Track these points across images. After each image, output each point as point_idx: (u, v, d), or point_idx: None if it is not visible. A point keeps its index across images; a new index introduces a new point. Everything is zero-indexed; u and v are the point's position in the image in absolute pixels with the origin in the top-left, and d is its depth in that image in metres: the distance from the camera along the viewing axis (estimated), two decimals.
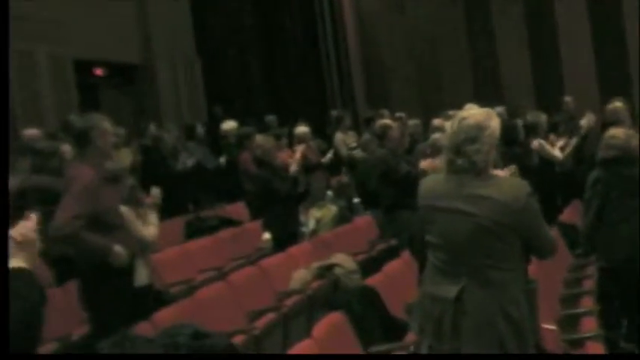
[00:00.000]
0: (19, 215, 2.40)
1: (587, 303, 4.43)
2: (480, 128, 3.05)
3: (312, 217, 7.30)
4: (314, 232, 7.21)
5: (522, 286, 3.10)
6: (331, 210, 7.45)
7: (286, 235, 6.46)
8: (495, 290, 3.02)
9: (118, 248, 4.15)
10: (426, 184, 3.30)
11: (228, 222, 7.82)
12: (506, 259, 3.04)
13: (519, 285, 3.08)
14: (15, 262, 2.13)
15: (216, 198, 9.26)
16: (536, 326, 3.24)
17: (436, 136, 5.95)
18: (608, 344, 3.66)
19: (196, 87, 12.24)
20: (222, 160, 9.26)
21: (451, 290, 3.06)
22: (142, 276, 4.45)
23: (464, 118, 3.10)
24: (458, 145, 3.05)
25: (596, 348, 3.48)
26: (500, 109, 8.53)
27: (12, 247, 2.15)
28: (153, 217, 4.60)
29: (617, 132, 4.80)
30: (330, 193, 7.98)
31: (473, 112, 3.16)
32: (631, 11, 12.39)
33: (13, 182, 5.20)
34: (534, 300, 3.18)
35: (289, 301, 5.11)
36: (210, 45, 12.69)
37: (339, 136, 10.15)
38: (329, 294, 5.46)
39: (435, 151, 4.72)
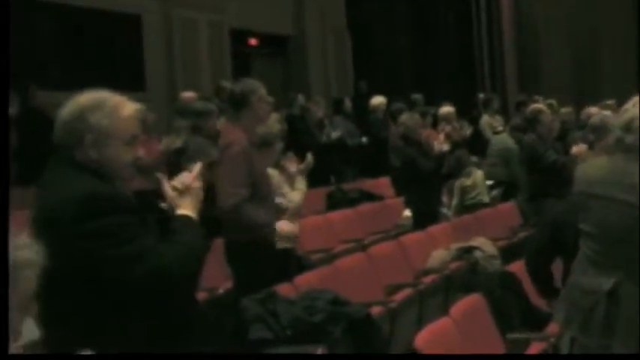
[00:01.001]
0: (176, 170, 2.51)
1: None
2: None
3: (457, 189, 7.25)
4: (460, 205, 7.17)
5: None
6: (478, 173, 7.42)
7: (427, 214, 6.42)
8: None
9: (282, 225, 4.25)
10: (584, 169, 3.15)
11: (369, 196, 7.88)
12: None
13: None
14: (181, 210, 2.24)
15: (359, 172, 9.34)
16: None
17: (601, 117, 5.64)
18: None
19: (345, 61, 12.34)
20: (364, 139, 9.34)
21: (605, 283, 2.92)
22: (283, 239, 4.58)
23: None
24: (630, 121, 2.87)
25: None
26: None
27: (175, 199, 2.25)
28: (301, 182, 4.71)
29: None
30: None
31: None
32: None
33: (173, 141, 5.50)
34: None
35: (427, 279, 5.09)
36: (361, 21, 12.73)
37: (485, 119, 9.94)
38: (466, 276, 5.39)
39: (598, 135, 4.48)
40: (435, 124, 8.61)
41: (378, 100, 9.62)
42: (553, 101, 10.14)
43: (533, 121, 6.77)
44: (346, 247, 6.02)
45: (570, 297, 3.11)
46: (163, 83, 9.39)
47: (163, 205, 2.28)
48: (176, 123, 5.95)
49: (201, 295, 4.34)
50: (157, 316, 2.17)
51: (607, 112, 5.91)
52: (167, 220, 2.27)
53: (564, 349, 3.21)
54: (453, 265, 5.48)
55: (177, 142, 5.38)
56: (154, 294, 2.12)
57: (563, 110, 9.66)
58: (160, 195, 2.33)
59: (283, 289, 4.03)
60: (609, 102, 8.64)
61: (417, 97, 10.57)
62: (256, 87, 4.38)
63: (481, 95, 11.44)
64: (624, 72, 12.61)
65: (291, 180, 4.65)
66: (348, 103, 10.16)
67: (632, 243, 2.89)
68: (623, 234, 2.90)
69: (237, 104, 4.40)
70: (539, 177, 6.36)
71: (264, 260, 4.28)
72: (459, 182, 7.31)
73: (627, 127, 2.87)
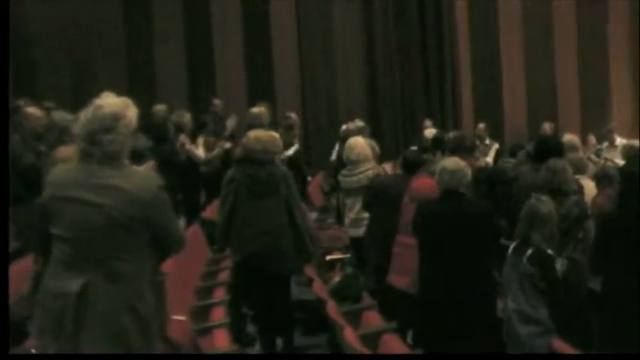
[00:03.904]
0: None
1: (220, 294, 4.60)
2: (115, 118, 2.98)
3: None
4: None
5: (150, 279, 3.08)
6: None
7: None
8: (121, 283, 2.96)
9: None
10: (54, 174, 3.12)
11: None
12: (134, 252, 2.99)
13: (146, 278, 3.04)
14: None
15: None
16: (164, 318, 3.25)
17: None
18: (233, 331, 3.82)
19: None
20: None
21: (74, 284, 2.92)
22: None
23: (100, 107, 3.00)
24: (92, 133, 2.95)
25: (222, 334, 3.63)
26: (160, 107, 8.61)
27: None
28: None
29: (259, 133, 4.98)
30: None
31: (109, 100, 3.06)
32: (277, 21, 13.32)
33: None
34: (162, 293, 3.18)
35: None
36: None
37: None
38: None
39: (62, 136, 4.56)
40: None
41: None
42: (51, 104, 9.92)
43: (18, 123, 6.56)
44: None
45: (43, 304, 3.03)
46: None
47: None
48: None
49: None
50: None
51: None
52: None
53: None
54: None
55: None
56: None
57: (58, 115, 9.53)
58: None
59: None
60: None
61: None
62: None
63: None
64: (118, 77, 13.08)
65: None
66: None
67: (101, 243, 2.95)
68: (94, 234, 2.94)
69: None
70: (17, 179, 6.11)
71: None
72: None
73: (91, 140, 2.94)
